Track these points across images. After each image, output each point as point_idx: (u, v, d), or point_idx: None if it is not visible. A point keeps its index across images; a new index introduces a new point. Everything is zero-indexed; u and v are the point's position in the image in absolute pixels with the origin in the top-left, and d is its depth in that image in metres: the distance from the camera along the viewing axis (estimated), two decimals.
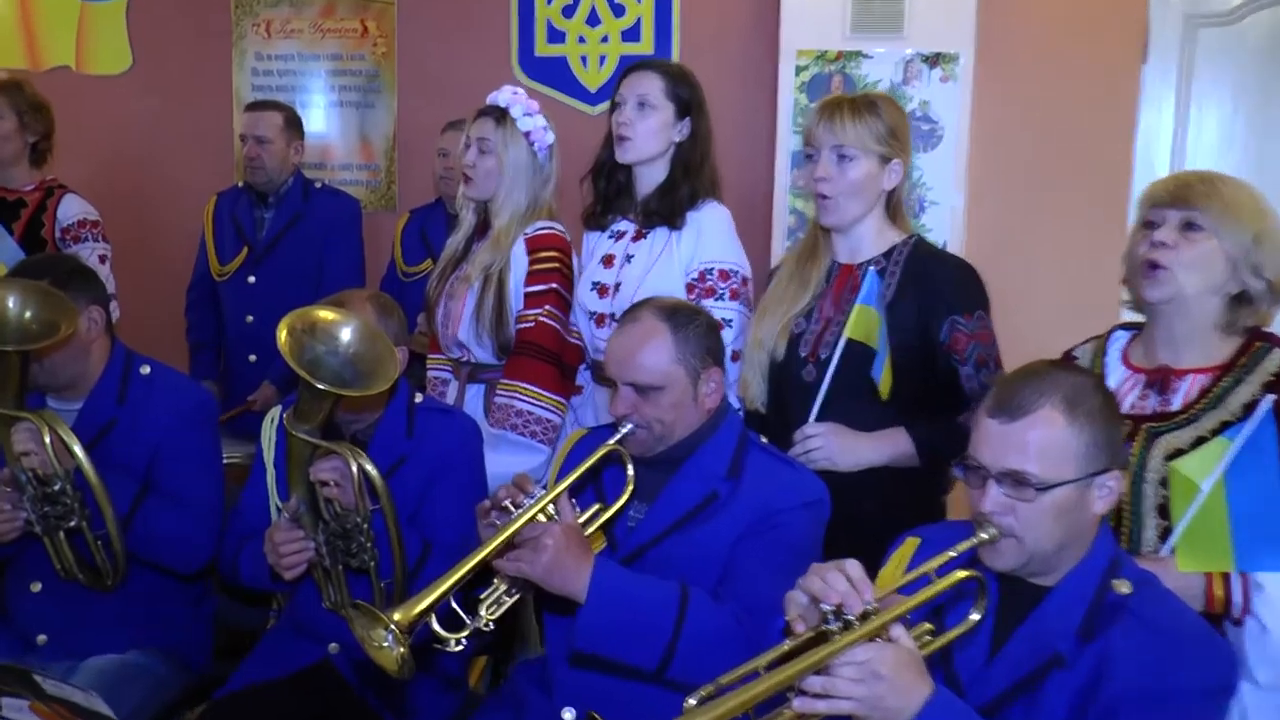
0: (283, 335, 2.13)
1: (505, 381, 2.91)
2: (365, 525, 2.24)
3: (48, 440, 2.37)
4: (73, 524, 2.43)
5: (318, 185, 4.20)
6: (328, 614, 2.41)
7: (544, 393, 2.88)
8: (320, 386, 2.11)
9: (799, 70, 4.16)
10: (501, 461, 2.72)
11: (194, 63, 5.03)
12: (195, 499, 2.57)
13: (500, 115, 2.96)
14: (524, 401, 2.86)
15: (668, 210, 2.78)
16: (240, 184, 4.24)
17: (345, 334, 2.22)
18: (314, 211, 4.08)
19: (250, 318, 4.05)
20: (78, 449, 2.39)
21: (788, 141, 4.20)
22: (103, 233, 3.95)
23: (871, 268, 2.43)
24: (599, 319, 2.85)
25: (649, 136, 2.79)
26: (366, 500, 2.23)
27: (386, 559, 2.27)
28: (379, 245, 4.38)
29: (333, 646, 2.43)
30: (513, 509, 1.94)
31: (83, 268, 2.69)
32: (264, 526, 2.44)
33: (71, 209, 3.91)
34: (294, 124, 4.12)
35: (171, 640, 2.64)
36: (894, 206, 2.52)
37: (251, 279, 4.05)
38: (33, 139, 3.90)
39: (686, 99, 2.82)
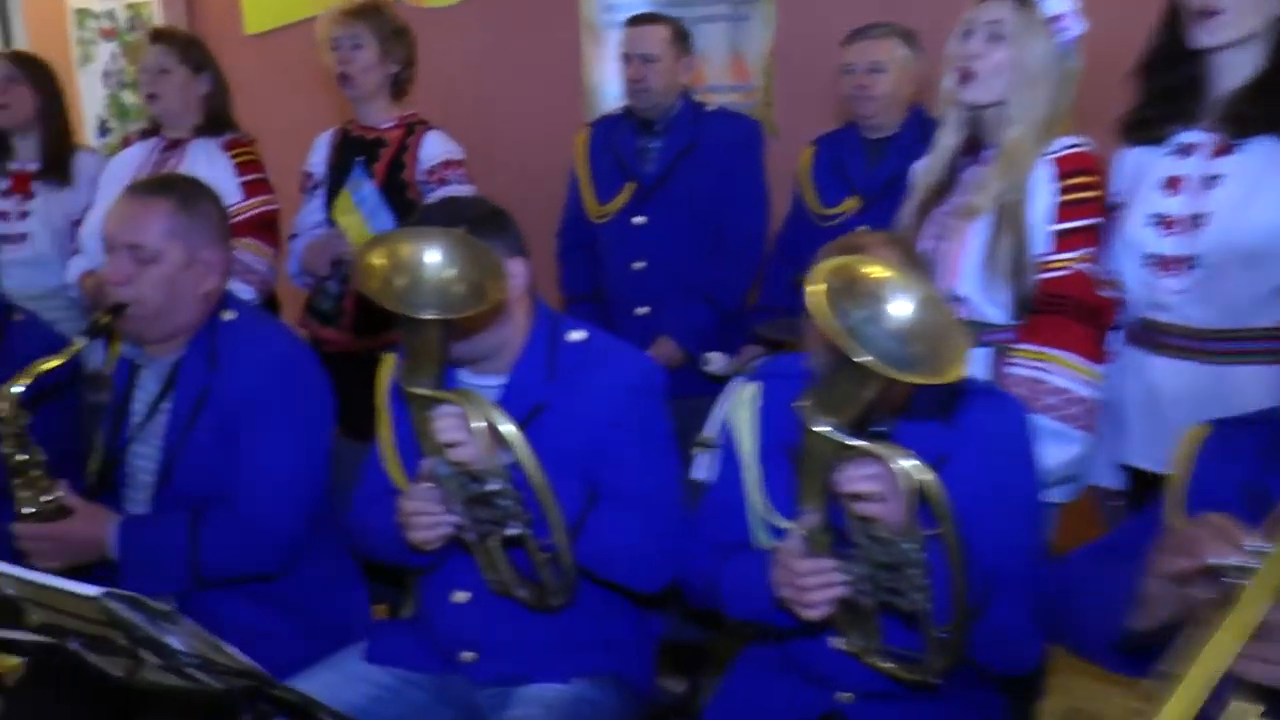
0: (820, 291, 1.54)
1: (1028, 348, 2.23)
2: (919, 555, 1.65)
3: (478, 427, 1.91)
4: (514, 532, 1.97)
5: (709, 108, 3.61)
6: (835, 655, 1.87)
7: (1084, 363, 2.19)
8: (865, 360, 1.50)
9: None
10: None
11: None
12: (652, 498, 2.06)
13: None
14: (1060, 375, 2.18)
15: (1274, 112, 2.04)
16: (621, 110, 3.72)
17: (898, 300, 1.60)
18: (708, 138, 3.49)
19: (639, 264, 3.52)
20: (518, 438, 1.90)
21: None
22: (467, 174, 3.54)
23: None
24: (1164, 263, 2.15)
25: (1245, 7, 2.04)
26: (918, 523, 1.64)
27: (943, 599, 1.68)
28: None
29: (844, 696, 1.90)
30: (1234, 574, 1.28)
31: (498, 210, 2.21)
32: (739, 539, 1.95)
33: (435, 148, 3.52)
34: (682, 38, 3.53)
35: (618, 666, 2.17)
36: None
37: (639, 219, 3.51)
38: (394, 69, 3.54)
39: None
